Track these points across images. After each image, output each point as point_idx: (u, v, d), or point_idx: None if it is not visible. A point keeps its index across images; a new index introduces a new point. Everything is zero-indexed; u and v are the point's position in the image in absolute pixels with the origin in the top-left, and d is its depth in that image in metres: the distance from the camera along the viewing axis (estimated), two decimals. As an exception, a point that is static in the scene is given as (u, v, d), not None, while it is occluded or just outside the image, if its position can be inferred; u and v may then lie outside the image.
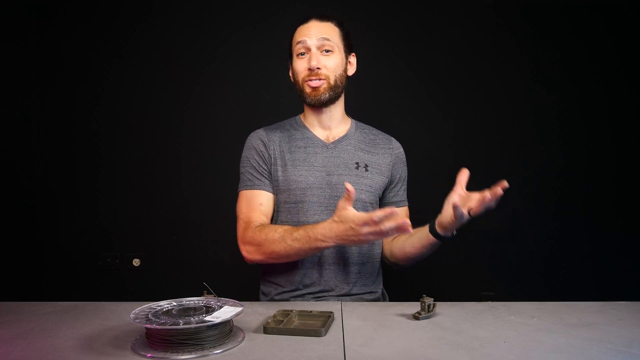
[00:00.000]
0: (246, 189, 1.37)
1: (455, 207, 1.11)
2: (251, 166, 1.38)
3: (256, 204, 1.34)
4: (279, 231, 1.22)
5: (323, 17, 1.37)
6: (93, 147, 2.24)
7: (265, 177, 1.37)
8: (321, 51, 1.33)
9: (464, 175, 1.17)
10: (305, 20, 1.37)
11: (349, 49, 1.40)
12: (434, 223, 1.23)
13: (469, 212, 1.13)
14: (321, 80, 1.32)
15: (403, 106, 2.18)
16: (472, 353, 0.86)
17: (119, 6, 2.21)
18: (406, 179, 1.48)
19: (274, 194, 1.37)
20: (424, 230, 1.26)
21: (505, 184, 1.08)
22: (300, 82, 1.35)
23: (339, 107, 1.40)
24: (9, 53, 2.21)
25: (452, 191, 1.17)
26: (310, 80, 1.32)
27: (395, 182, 1.44)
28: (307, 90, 1.34)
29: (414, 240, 1.30)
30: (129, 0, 2.22)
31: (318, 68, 1.31)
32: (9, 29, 2.21)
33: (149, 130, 2.24)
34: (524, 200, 2.15)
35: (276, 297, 1.35)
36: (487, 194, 1.09)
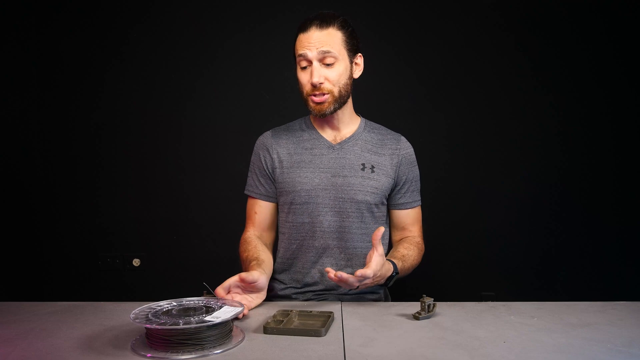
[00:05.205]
0: (247, 194, 1.45)
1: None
2: (253, 172, 1.44)
3: (252, 212, 1.43)
4: (244, 254, 1.31)
5: (323, 24, 1.28)
6: (93, 147, 2.24)
7: (265, 185, 1.41)
8: (323, 63, 1.28)
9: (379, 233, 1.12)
10: (305, 28, 1.29)
11: (354, 50, 1.33)
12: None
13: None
14: (325, 96, 1.29)
15: (402, 105, 2.18)
16: (472, 353, 0.86)
17: (119, 6, 2.21)
18: (417, 178, 1.44)
19: (274, 200, 1.42)
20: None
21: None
22: (305, 95, 1.32)
23: (346, 110, 1.38)
24: (9, 53, 2.21)
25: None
26: (314, 95, 1.29)
27: (402, 184, 1.40)
28: (311, 104, 1.31)
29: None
30: (129, 0, 2.22)
31: (321, 83, 1.28)
32: (9, 29, 2.21)
33: (149, 130, 2.24)
34: (524, 200, 2.15)
35: (280, 293, 1.38)
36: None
